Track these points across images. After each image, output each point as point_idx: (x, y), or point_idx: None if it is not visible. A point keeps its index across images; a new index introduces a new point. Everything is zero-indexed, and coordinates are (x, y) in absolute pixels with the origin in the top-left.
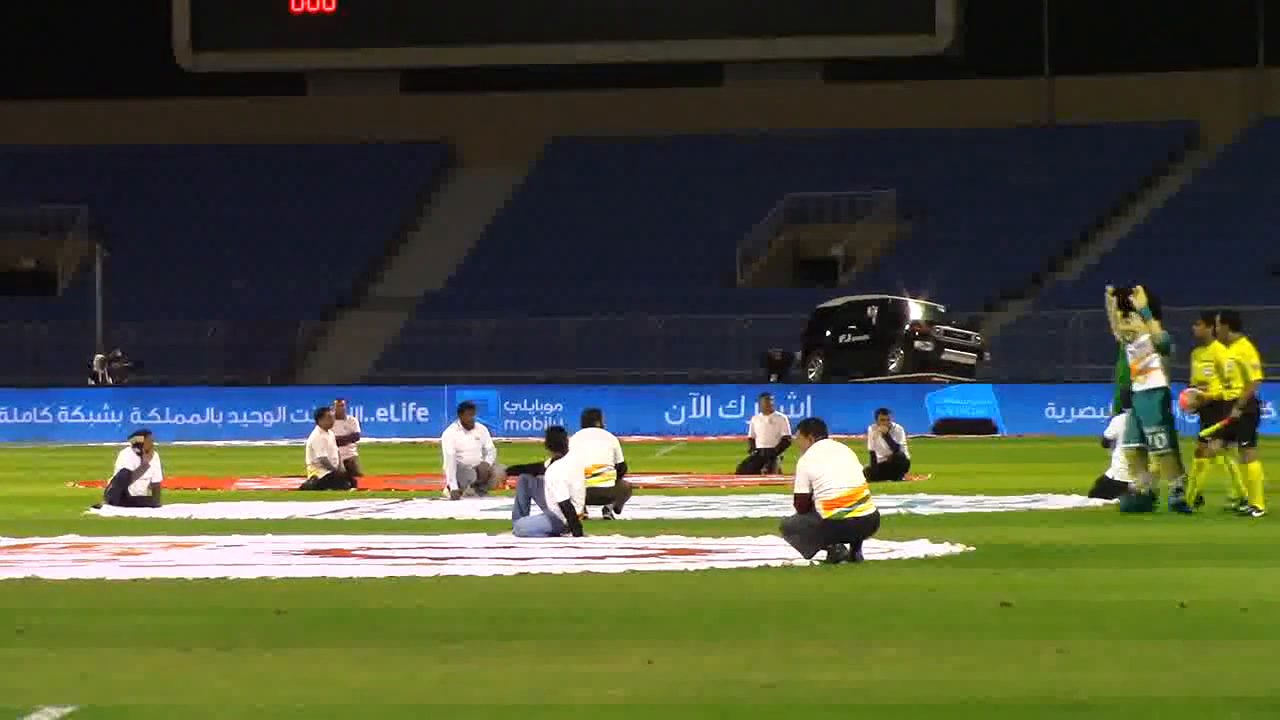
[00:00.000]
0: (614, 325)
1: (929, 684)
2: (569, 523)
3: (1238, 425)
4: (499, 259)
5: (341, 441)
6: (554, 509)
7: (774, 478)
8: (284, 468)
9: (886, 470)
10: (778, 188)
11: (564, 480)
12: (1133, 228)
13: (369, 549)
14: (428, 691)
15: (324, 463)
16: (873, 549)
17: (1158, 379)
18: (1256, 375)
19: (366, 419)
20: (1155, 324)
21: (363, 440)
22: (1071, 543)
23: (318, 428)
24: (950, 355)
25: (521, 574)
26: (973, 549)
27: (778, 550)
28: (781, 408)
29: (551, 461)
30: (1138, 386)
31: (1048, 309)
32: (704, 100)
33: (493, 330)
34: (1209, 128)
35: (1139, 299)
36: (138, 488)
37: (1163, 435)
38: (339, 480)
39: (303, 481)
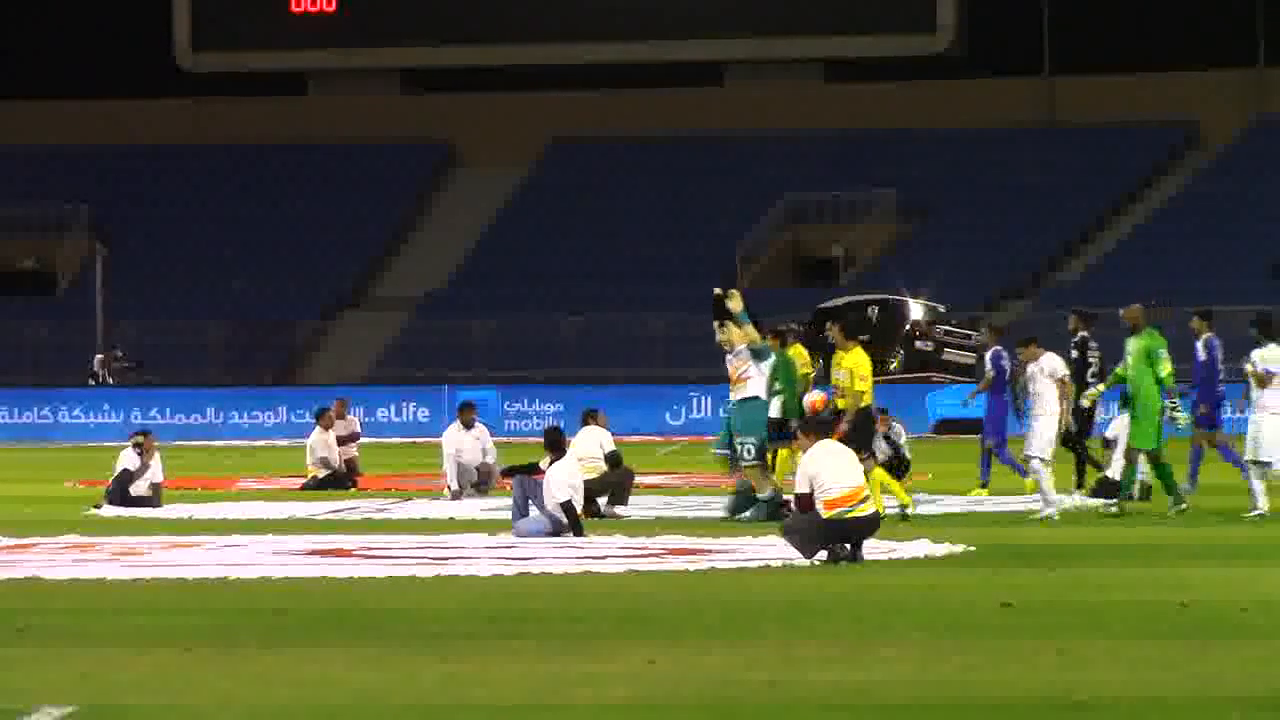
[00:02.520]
0: (614, 325)
1: (929, 684)
2: (570, 523)
3: (848, 438)
4: (499, 259)
5: (342, 441)
6: (553, 509)
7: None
8: (284, 468)
9: (887, 471)
10: (778, 188)
11: (565, 480)
12: (1133, 227)
13: (369, 549)
14: (428, 691)
15: (324, 463)
16: (873, 549)
17: (755, 388)
18: (861, 386)
19: (367, 419)
20: (752, 330)
21: (363, 440)
22: (1071, 543)
23: (318, 428)
24: (950, 355)
25: (522, 574)
26: (973, 549)
27: (778, 550)
28: None
29: (550, 462)
30: (735, 395)
31: (1048, 309)
32: (704, 100)
33: (493, 330)
34: (1209, 127)
35: (734, 303)
36: (138, 488)
37: (751, 446)
38: (340, 480)
39: (303, 481)
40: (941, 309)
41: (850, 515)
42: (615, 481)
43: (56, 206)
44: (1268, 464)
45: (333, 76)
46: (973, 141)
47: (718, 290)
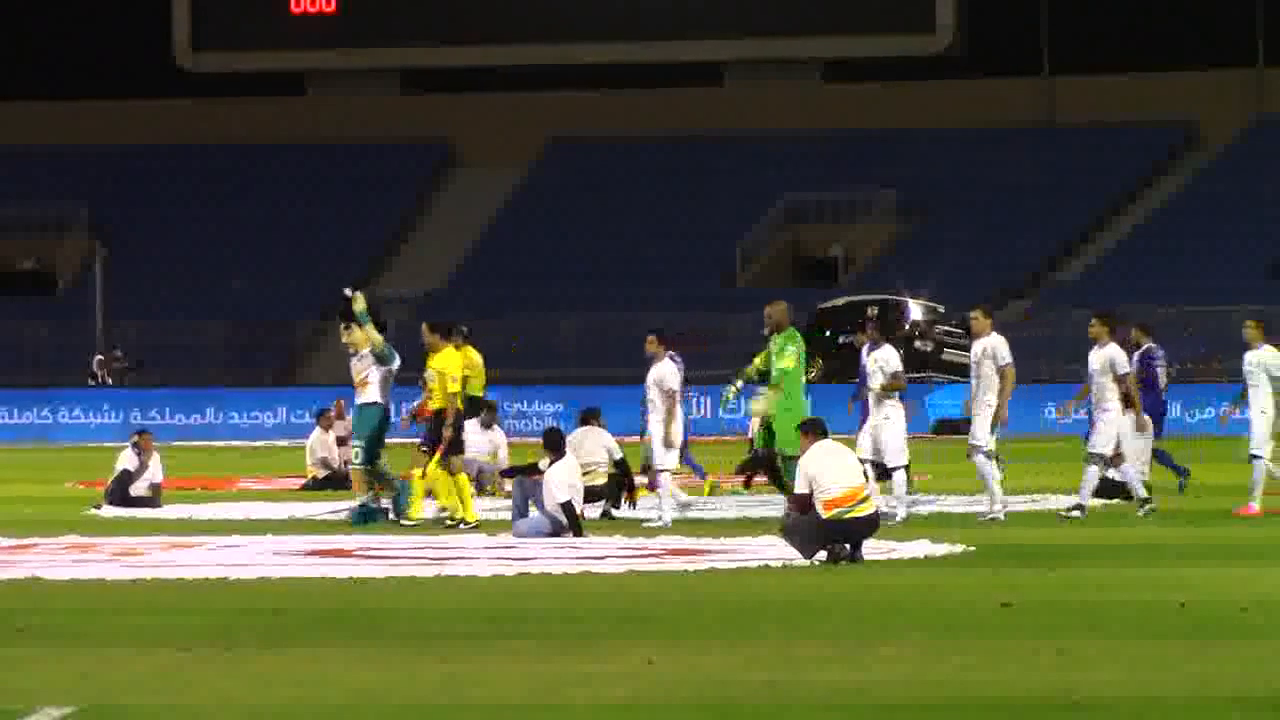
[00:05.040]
0: (614, 325)
1: (928, 684)
2: (570, 523)
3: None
4: (499, 259)
5: (342, 442)
6: (553, 509)
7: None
8: (284, 468)
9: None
10: (777, 188)
11: (565, 481)
12: (1132, 227)
13: (369, 549)
14: (428, 691)
15: (324, 463)
16: (873, 549)
17: (372, 393)
18: (454, 388)
19: None
20: (374, 332)
21: None
22: (1071, 543)
23: (318, 428)
24: (950, 355)
25: (522, 574)
26: (973, 549)
27: (778, 550)
28: None
29: (550, 463)
30: (358, 399)
31: (1047, 309)
32: (703, 101)
33: (492, 330)
34: (1209, 127)
35: (358, 304)
36: (138, 488)
37: (360, 451)
38: (340, 480)
39: (303, 482)
40: (941, 309)
41: (850, 515)
42: (630, 487)
43: (56, 206)
44: None
45: (332, 77)
46: (972, 141)
47: (348, 291)
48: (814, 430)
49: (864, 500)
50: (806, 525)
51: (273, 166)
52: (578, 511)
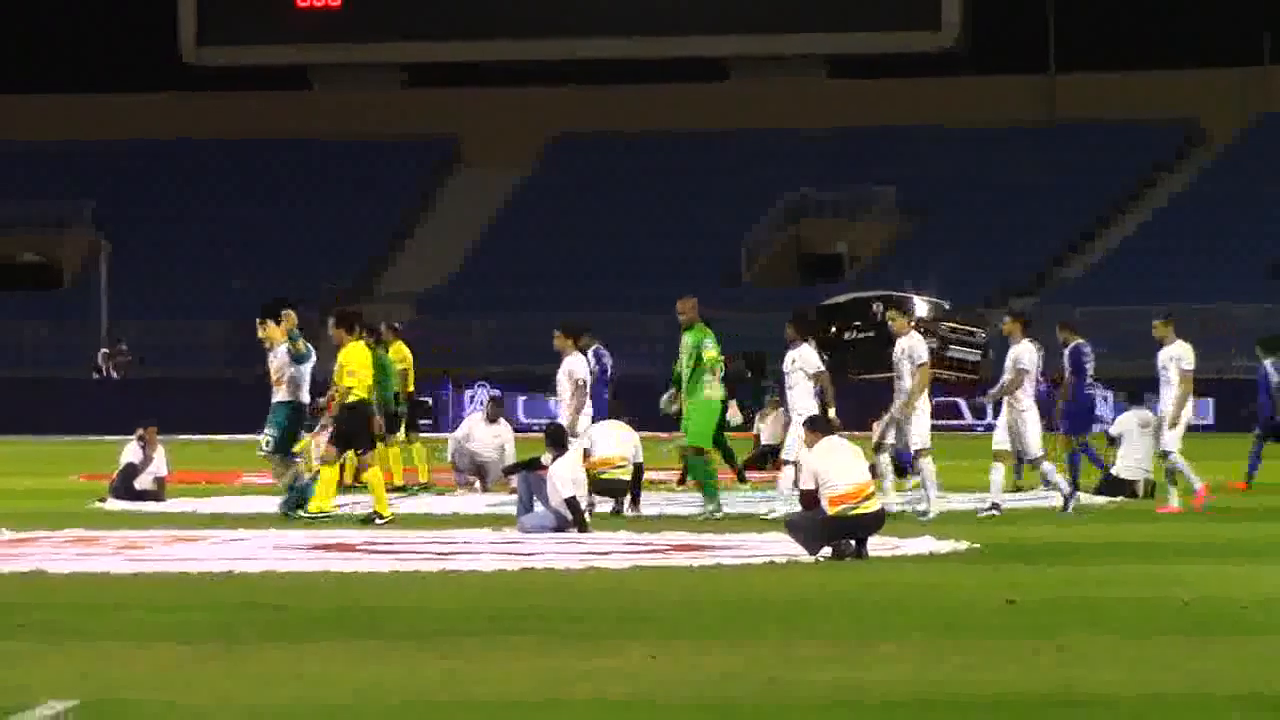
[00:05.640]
0: (618, 323)
1: (929, 682)
2: (574, 519)
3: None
4: (502, 256)
5: None
6: (557, 505)
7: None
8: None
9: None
10: (780, 185)
11: (569, 476)
12: (1136, 225)
13: (373, 543)
14: (430, 688)
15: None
16: (877, 545)
17: (286, 390)
18: (349, 382)
19: None
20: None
21: None
22: (1073, 540)
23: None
24: (955, 352)
25: (525, 569)
26: (977, 546)
27: (782, 547)
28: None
29: (553, 458)
30: (274, 396)
31: (1051, 306)
32: (707, 97)
33: (493, 328)
34: (1210, 126)
35: (289, 322)
36: (143, 481)
37: (271, 440)
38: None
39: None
40: (946, 305)
41: (855, 512)
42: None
43: (60, 202)
44: None
45: (336, 71)
46: (976, 139)
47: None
48: (819, 427)
49: (869, 497)
50: (811, 522)
51: (276, 162)
52: (582, 507)
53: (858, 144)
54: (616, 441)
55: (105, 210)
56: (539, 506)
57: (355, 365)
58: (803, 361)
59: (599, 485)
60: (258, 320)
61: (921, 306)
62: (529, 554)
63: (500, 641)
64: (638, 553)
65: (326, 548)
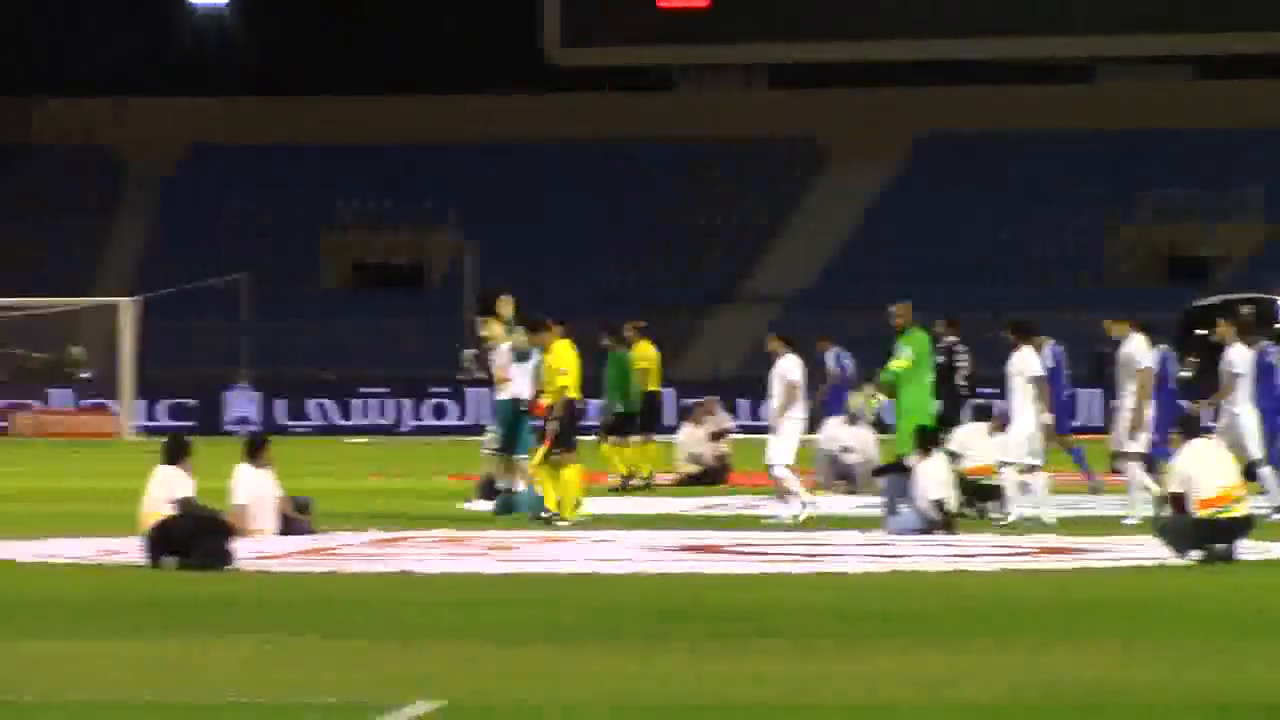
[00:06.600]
0: (987, 325)
1: None
2: (942, 520)
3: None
4: (869, 256)
5: (715, 437)
6: (925, 506)
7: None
8: (656, 464)
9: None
10: (1145, 186)
11: (937, 478)
12: None
13: (742, 545)
14: (801, 689)
15: (695, 459)
16: (1247, 549)
17: (511, 388)
18: (564, 381)
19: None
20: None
21: (735, 436)
22: None
23: (689, 424)
24: None
25: (893, 571)
26: None
27: (1150, 550)
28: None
29: (920, 461)
30: (496, 394)
31: None
32: (1073, 97)
33: (862, 327)
34: None
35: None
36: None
37: (499, 438)
38: (711, 476)
39: (674, 477)
40: None
41: (1224, 515)
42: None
43: (428, 203)
44: None
45: (700, 72)
46: None
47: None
48: (1189, 429)
49: (1239, 500)
50: (1181, 524)
51: (639, 163)
52: (952, 509)
53: (1224, 145)
54: (988, 448)
55: (472, 211)
56: (904, 508)
57: (565, 363)
58: (1022, 365)
59: (970, 488)
60: (478, 318)
61: None
62: (897, 555)
63: (864, 645)
64: (1006, 555)
65: (695, 549)
